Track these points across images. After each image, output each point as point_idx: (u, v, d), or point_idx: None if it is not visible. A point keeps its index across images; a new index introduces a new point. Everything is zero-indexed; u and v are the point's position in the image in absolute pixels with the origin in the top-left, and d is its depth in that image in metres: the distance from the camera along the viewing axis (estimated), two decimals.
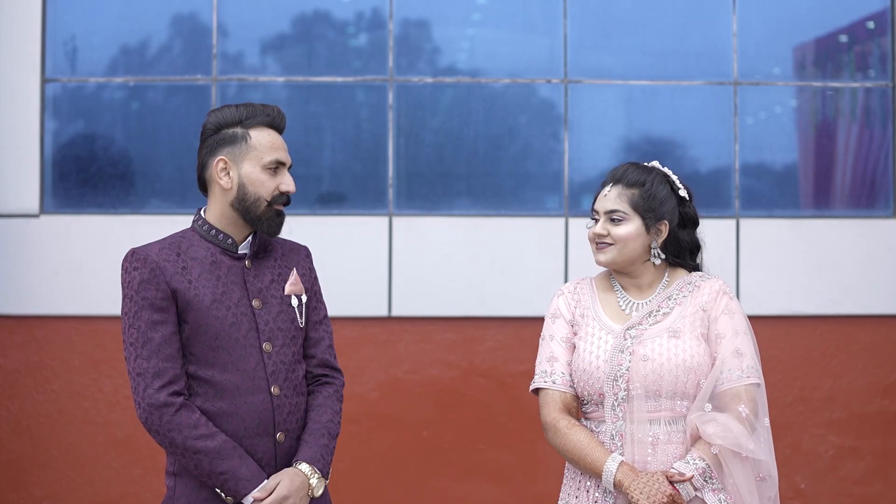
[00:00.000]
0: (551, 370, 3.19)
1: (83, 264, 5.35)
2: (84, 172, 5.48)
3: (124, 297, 2.98)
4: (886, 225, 5.52)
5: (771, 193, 5.63)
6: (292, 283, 3.15)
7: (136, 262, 2.97)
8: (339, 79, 5.50)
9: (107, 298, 5.33)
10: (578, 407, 3.21)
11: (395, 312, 5.41)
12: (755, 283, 5.43)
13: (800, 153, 5.70)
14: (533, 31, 5.58)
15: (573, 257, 5.39)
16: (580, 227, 5.38)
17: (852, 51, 5.64)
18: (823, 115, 5.66)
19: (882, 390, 5.51)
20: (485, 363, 5.44)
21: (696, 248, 3.26)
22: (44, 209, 5.39)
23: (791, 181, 5.69)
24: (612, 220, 3.16)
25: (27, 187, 5.37)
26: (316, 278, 3.26)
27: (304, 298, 3.17)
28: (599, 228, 3.17)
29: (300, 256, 3.22)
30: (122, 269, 3.00)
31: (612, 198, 3.17)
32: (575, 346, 3.22)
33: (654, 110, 5.60)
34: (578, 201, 5.51)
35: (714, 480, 3.01)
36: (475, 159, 5.56)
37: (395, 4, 5.50)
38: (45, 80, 5.42)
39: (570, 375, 3.18)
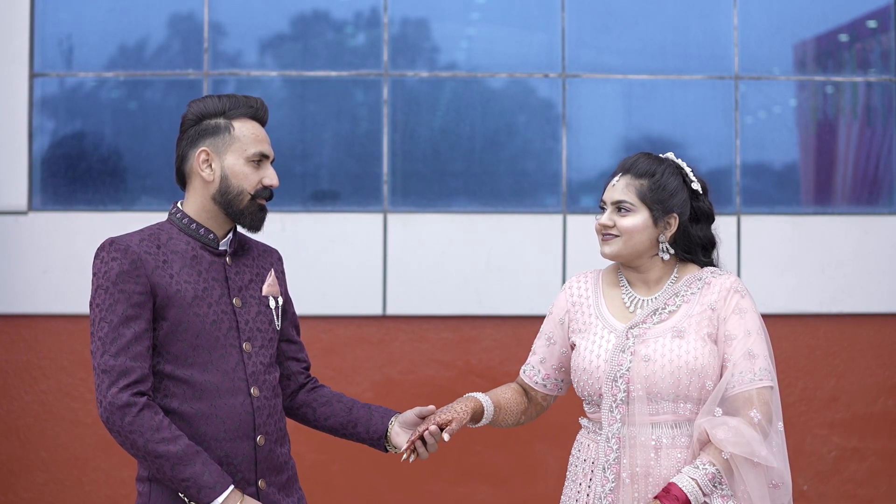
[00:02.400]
0: (527, 360, 3.32)
1: (72, 262, 5.31)
2: (73, 169, 5.47)
3: (97, 287, 2.87)
4: (890, 222, 5.54)
5: (772, 190, 5.64)
6: (270, 285, 3.09)
7: (116, 253, 2.87)
8: (334, 73, 5.49)
9: None
10: (533, 398, 3.31)
11: (390, 311, 5.40)
12: (757, 280, 5.40)
13: (801, 150, 5.72)
14: (530, 27, 5.58)
15: (571, 255, 5.38)
16: (578, 225, 5.39)
17: (853, 48, 5.66)
18: (825, 112, 5.68)
19: (886, 390, 5.52)
20: (481, 363, 5.43)
21: (710, 244, 3.18)
22: (32, 206, 5.38)
23: (792, 178, 5.71)
24: (619, 210, 3.09)
25: (15, 183, 5.35)
26: (286, 283, 3.21)
27: (280, 301, 3.11)
28: (605, 219, 3.10)
29: (273, 259, 3.17)
30: (97, 259, 2.89)
31: (619, 188, 3.10)
32: (572, 346, 3.20)
33: (653, 105, 5.60)
34: (577, 198, 5.51)
35: (723, 486, 2.94)
36: (472, 156, 5.56)
37: (394, 4, 5.51)
38: (33, 75, 5.41)
39: (543, 374, 3.28)
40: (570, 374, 3.17)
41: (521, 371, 3.31)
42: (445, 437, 3.01)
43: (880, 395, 5.51)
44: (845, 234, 5.50)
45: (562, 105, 5.51)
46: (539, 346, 3.27)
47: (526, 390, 3.30)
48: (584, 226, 5.35)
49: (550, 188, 5.52)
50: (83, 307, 5.26)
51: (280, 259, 3.17)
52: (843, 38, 5.66)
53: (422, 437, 3.04)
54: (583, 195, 5.52)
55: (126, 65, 5.47)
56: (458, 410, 3.07)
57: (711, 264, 3.19)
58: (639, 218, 3.07)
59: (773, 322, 5.38)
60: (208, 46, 5.45)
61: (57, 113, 5.50)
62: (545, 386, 3.26)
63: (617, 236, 3.09)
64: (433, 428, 3.03)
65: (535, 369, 3.27)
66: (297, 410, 3.20)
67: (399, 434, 3.13)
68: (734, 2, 5.53)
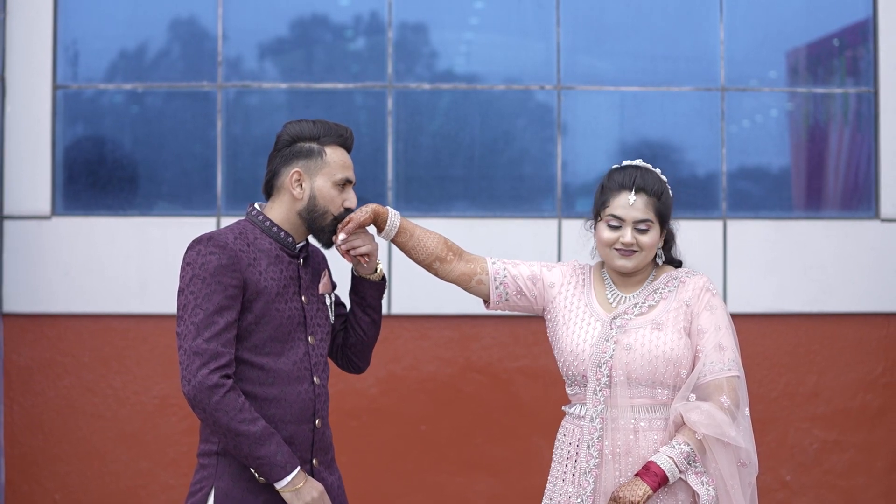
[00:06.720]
0: (503, 259, 3.40)
1: (93, 264, 5.40)
2: (93, 176, 5.54)
3: (193, 277, 3.05)
4: (869, 226, 5.58)
5: (757, 196, 5.68)
6: (324, 284, 3.33)
7: (214, 248, 3.07)
8: (340, 85, 5.56)
9: (116, 297, 5.40)
10: (468, 269, 3.39)
11: (395, 310, 5.46)
12: (742, 282, 5.49)
13: (784, 157, 5.76)
14: (528, 37, 5.62)
15: (566, 257, 5.44)
16: (573, 228, 5.36)
17: (834, 60, 5.69)
18: (807, 121, 5.71)
19: (865, 386, 5.57)
20: (481, 360, 5.49)
21: (672, 239, 3.40)
22: (55, 211, 5.45)
23: (776, 184, 5.75)
24: (639, 229, 3.27)
25: (39, 190, 5.43)
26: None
27: (333, 298, 3.37)
28: (629, 238, 3.26)
29: (319, 258, 3.39)
30: (193, 251, 3.09)
31: (640, 207, 3.25)
32: (543, 310, 3.39)
33: (644, 115, 5.65)
34: (572, 203, 5.57)
35: (697, 464, 3.15)
36: (472, 163, 5.61)
37: (393, 11, 5.56)
38: (56, 87, 5.48)
39: (506, 280, 3.36)
40: (554, 352, 3.34)
41: (489, 256, 3.43)
42: (341, 236, 3.21)
43: (859, 390, 5.56)
44: (827, 237, 5.53)
45: (557, 114, 5.56)
46: (523, 269, 3.39)
47: (469, 259, 3.40)
48: (578, 229, 5.40)
49: (547, 193, 5.57)
50: (103, 307, 5.37)
51: (325, 258, 3.41)
52: (825, 50, 5.68)
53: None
54: (578, 200, 5.57)
55: (143, 76, 5.53)
56: (358, 212, 3.24)
57: (678, 262, 3.41)
58: (655, 233, 3.28)
59: (758, 321, 5.49)
60: (222, 60, 5.53)
61: (78, 123, 5.56)
62: (497, 286, 3.39)
63: (636, 251, 3.28)
64: (335, 236, 3.24)
65: (506, 272, 3.38)
66: (351, 344, 3.46)
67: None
68: (721, 17, 5.58)
